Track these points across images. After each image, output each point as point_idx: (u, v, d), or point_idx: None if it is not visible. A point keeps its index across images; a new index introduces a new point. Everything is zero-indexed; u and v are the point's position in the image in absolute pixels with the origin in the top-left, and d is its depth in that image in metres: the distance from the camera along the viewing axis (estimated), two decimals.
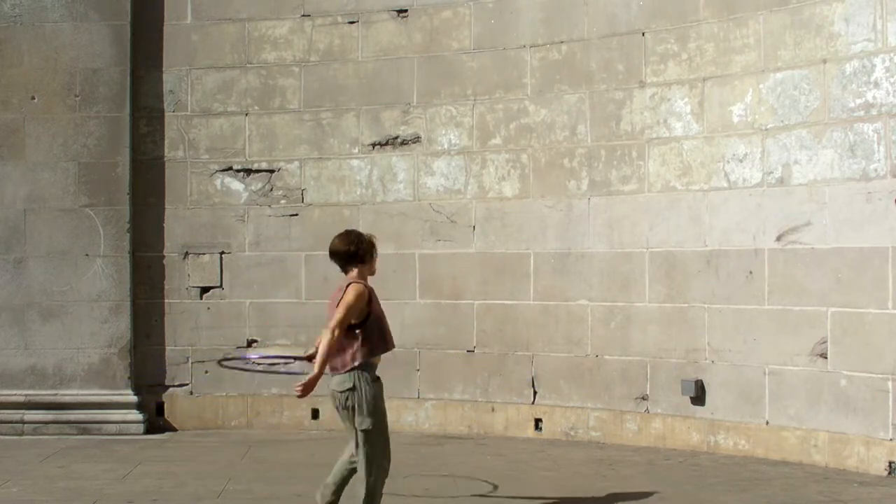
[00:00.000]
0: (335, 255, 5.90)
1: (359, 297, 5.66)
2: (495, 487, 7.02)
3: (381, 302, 5.98)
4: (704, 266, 8.28)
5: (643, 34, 8.60)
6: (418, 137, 9.40)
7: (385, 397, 5.94)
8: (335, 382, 5.71)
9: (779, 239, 7.87)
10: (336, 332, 5.59)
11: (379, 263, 5.98)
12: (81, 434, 9.16)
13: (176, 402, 9.60)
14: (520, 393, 9.08)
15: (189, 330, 9.62)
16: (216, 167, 9.68)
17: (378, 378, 5.78)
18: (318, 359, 5.60)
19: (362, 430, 5.63)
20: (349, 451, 5.82)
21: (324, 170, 9.52)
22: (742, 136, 8.11)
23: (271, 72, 9.66)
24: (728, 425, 8.14)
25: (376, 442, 5.68)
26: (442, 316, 9.28)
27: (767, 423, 7.95)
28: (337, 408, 5.75)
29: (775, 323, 7.88)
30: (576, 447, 8.54)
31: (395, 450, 8.34)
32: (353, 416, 5.65)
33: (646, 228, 8.57)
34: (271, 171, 9.63)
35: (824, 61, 7.65)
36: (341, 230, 6.10)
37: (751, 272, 8.02)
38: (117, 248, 9.41)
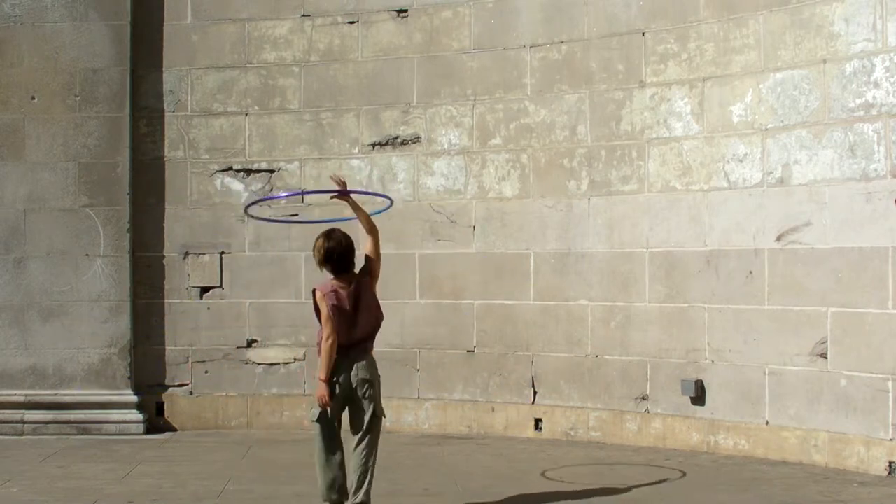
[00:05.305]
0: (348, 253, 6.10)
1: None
2: None
3: (382, 302, 6.13)
4: (704, 266, 8.28)
5: (643, 34, 8.60)
6: (418, 137, 9.40)
7: (385, 397, 6.16)
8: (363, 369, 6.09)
9: (779, 239, 7.87)
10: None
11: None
12: (81, 434, 9.16)
13: (176, 402, 9.61)
14: (520, 393, 9.08)
15: (189, 330, 9.62)
16: (216, 167, 9.68)
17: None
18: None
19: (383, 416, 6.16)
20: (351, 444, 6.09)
21: (324, 170, 9.50)
22: (742, 136, 8.11)
23: (271, 72, 9.66)
24: (728, 425, 8.14)
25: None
26: (442, 316, 9.28)
27: (767, 423, 7.95)
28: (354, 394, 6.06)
29: (775, 323, 7.89)
30: (576, 447, 8.54)
31: (396, 450, 8.38)
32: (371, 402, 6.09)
33: (646, 228, 8.57)
34: (271, 171, 9.62)
35: (824, 61, 7.65)
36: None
37: (751, 272, 8.02)
38: (117, 248, 9.41)
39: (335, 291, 6.01)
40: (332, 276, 6.07)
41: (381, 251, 6.26)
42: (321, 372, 5.91)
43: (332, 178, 6.44)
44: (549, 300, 8.96)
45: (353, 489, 6.02)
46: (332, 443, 6.07)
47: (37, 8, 9.44)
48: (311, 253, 6.15)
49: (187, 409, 9.58)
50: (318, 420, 6.04)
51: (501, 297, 9.14)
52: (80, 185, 9.42)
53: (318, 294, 6.02)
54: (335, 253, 6.03)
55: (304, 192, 6.07)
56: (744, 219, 8.07)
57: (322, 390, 5.91)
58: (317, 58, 9.61)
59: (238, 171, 9.66)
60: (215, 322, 9.61)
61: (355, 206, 6.30)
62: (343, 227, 6.28)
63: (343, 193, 6.32)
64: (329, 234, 6.08)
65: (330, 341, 5.90)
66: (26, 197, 9.43)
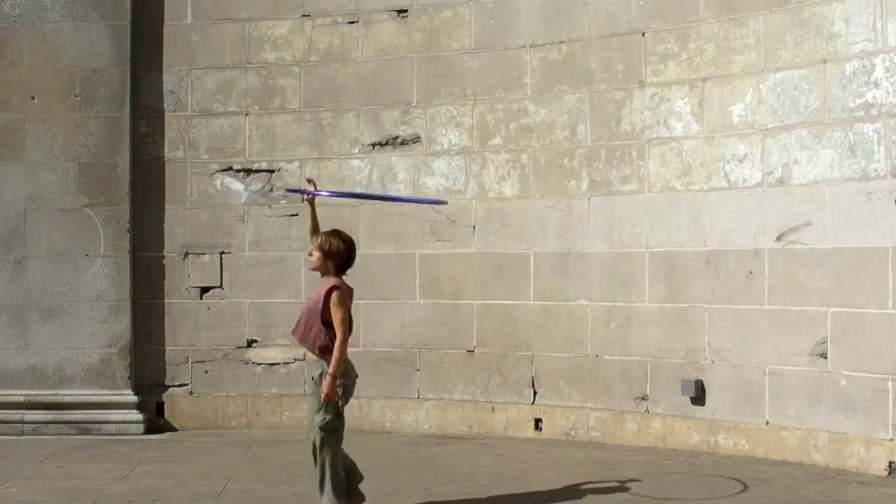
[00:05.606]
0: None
1: None
2: None
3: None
4: (704, 266, 8.28)
5: (643, 34, 8.60)
6: (418, 137, 9.40)
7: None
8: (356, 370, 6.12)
9: (779, 239, 7.88)
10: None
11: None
12: (81, 434, 9.16)
13: (176, 402, 9.61)
14: (520, 393, 9.08)
15: (189, 330, 9.63)
16: (216, 167, 9.68)
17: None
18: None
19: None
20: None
21: (324, 170, 9.51)
22: (742, 136, 8.11)
23: (271, 72, 9.66)
24: (728, 425, 8.15)
25: None
26: (442, 316, 9.29)
27: (767, 423, 7.95)
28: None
29: (775, 323, 7.89)
30: (576, 447, 8.54)
31: (396, 450, 8.39)
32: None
33: (646, 228, 8.57)
34: (271, 171, 9.63)
35: (824, 61, 7.66)
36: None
37: (751, 272, 8.02)
38: (117, 248, 9.41)
39: (350, 291, 6.02)
40: (334, 276, 6.03)
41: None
42: (334, 369, 5.87)
43: (308, 179, 6.49)
44: (550, 300, 8.96)
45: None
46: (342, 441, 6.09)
47: (37, 8, 9.44)
48: (318, 250, 6.06)
49: (187, 409, 9.58)
50: (336, 424, 5.98)
51: (501, 297, 9.14)
52: (80, 185, 9.42)
53: (338, 294, 5.90)
54: (351, 252, 6.05)
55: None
56: (744, 219, 8.07)
57: (334, 388, 5.88)
58: (317, 58, 9.61)
59: (238, 171, 9.66)
60: (215, 322, 9.61)
61: (314, 214, 6.26)
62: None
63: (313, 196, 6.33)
64: (340, 234, 6.09)
65: (346, 341, 5.90)
66: (26, 197, 9.43)
